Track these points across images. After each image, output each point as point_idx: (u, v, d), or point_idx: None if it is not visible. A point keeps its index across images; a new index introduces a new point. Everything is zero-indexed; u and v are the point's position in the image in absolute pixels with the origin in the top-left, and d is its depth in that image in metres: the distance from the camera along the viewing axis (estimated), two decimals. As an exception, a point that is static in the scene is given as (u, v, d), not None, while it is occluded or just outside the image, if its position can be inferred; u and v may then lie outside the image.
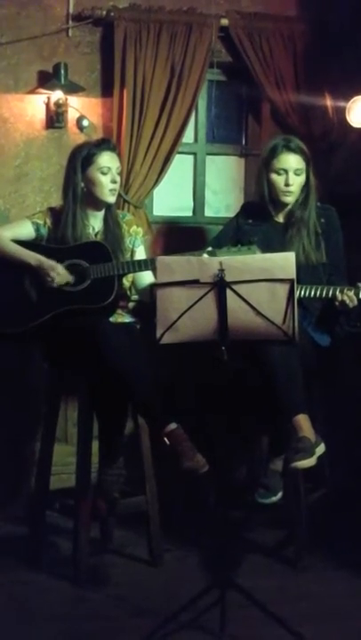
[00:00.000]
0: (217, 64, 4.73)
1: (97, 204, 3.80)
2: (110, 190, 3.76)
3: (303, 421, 3.48)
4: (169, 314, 3.15)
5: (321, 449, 3.52)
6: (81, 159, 3.74)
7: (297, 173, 3.82)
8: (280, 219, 3.95)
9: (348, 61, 4.70)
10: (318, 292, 3.71)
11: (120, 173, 3.83)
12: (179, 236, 4.79)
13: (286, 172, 3.81)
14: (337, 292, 3.67)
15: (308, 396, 3.61)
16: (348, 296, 3.64)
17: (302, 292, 3.68)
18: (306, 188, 3.87)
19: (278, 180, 3.83)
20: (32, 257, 3.69)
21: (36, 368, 4.24)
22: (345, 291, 3.65)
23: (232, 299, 3.12)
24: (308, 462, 3.42)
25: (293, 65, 4.75)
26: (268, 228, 3.93)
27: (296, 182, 3.83)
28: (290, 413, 3.50)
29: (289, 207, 3.91)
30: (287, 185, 3.82)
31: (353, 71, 4.65)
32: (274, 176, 3.84)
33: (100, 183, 3.74)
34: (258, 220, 3.95)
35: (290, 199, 3.86)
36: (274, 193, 3.87)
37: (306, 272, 3.71)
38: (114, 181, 3.75)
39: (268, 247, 3.70)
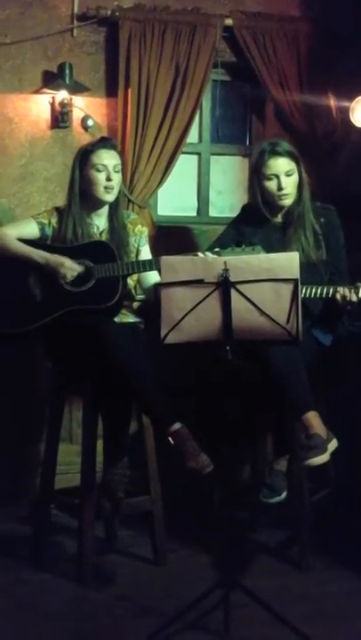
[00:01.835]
0: (221, 64, 4.73)
1: (96, 203, 3.80)
2: (105, 188, 3.74)
3: (313, 418, 3.48)
4: (173, 313, 3.15)
5: (333, 444, 3.52)
6: (79, 158, 3.76)
7: (288, 174, 3.82)
8: (279, 218, 3.95)
9: (351, 61, 4.70)
10: (320, 292, 3.71)
11: (120, 171, 3.80)
12: (183, 236, 4.79)
13: (277, 176, 3.81)
14: (338, 292, 3.67)
15: (313, 395, 3.61)
16: (349, 295, 3.65)
17: (304, 292, 3.68)
18: (299, 186, 3.87)
19: (271, 185, 3.83)
20: (38, 255, 3.70)
21: (40, 368, 4.25)
22: (346, 290, 3.65)
23: (236, 299, 3.12)
24: (322, 459, 3.42)
25: (297, 65, 4.76)
26: (267, 228, 3.93)
27: (289, 184, 3.83)
28: (299, 412, 3.50)
29: (285, 207, 3.92)
30: (280, 189, 3.82)
31: (357, 71, 4.65)
32: (266, 182, 3.84)
33: (96, 181, 3.74)
34: (258, 222, 3.95)
35: (287, 201, 3.86)
36: (269, 198, 3.87)
37: (306, 271, 3.71)
38: (109, 179, 3.73)
39: (268, 248, 3.70)
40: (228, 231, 4.04)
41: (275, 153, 3.81)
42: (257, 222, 3.94)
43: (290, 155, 3.83)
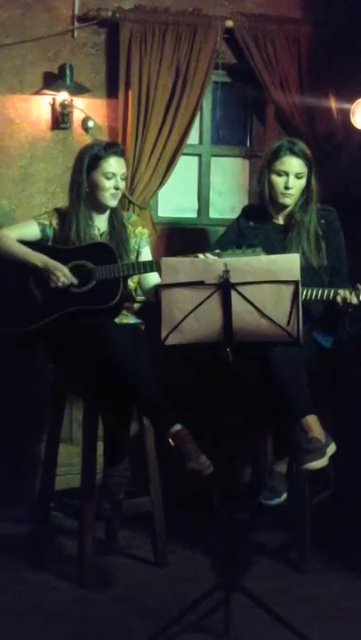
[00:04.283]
0: (222, 65, 4.73)
1: (100, 205, 3.81)
2: (112, 194, 3.76)
3: (312, 422, 3.48)
4: (174, 315, 3.15)
5: (332, 448, 3.52)
6: (87, 160, 3.75)
7: (298, 177, 3.83)
8: (280, 220, 3.96)
9: (352, 63, 4.70)
10: (320, 294, 3.71)
11: (125, 179, 3.82)
12: (183, 238, 4.79)
13: (287, 174, 3.82)
14: (338, 294, 3.67)
15: (312, 398, 3.61)
16: (349, 298, 3.65)
17: (305, 294, 3.68)
18: (307, 191, 3.87)
19: (278, 181, 3.84)
20: (37, 257, 3.70)
21: (41, 369, 4.24)
22: (346, 293, 3.65)
23: (237, 300, 3.12)
24: (321, 463, 3.42)
25: (298, 67, 4.75)
26: (268, 230, 3.94)
27: (296, 185, 3.84)
28: (298, 415, 3.50)
29: (289, 209, 3.92)
30: (287, 188, 3.83)
31: (357, 73, 4.65)
32: (274, 177, 3.85)
33: (103, 187, 3.74)
34: (259, 223, 3.96)
35: (289, 201, 3.87)
36: (273, 194, 3.88)
37: (306, 275, 3.71)
38: (116, 187, 3.75)
39: (268, 249, 3.70)
40: (229, 232, 4.04)
41: (292, 152, 3.82)
42: (258, 223, 3.94)
43: (305, 157, 3.84)
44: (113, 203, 3.78)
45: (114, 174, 3.74)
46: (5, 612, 3.39)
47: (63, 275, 3.65)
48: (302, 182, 3.85)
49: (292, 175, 3.82)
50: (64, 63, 4.45)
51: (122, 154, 3.79)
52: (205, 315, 3.14)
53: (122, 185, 3.78)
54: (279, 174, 3.84)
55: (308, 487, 3.83)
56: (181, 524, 4.14)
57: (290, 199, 3.86)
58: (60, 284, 3.66)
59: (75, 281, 3.67)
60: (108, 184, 3.74)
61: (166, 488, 3.87)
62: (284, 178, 3.83)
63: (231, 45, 4.75)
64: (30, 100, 4.54)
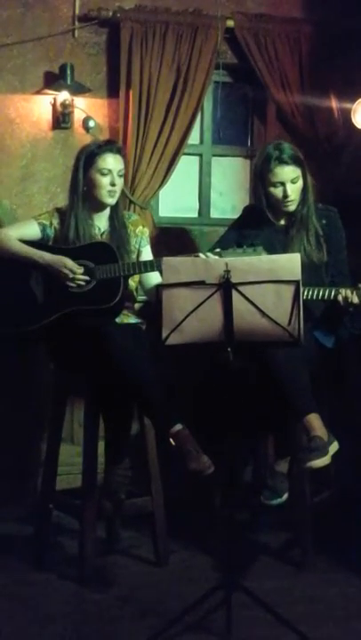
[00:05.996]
0: (223, 65, 4.72)
1: (98, 204, 3.80)
2: (108, 192, 3.75)
3: (315, 421, 3.48)
4: (175, 315, 3.15)
5: (335, 447, 3.52)
6: (84, 159, 3.75)
7: (294, 182, 3.81)
8: (281, 221, 3.95)
9: (353, 63, 4.70)
10: (322, 294, 3.71)
11: (123, 176, 3.81)
12: (184, 238, 4.79)
13: (283, 184, 3.80)
14: (340, 293, 3.67)
15: (314, 397, 3.60)
16: (351, 297, 3.64)
17: (306, 294, 3.67)
18: (303, 189, 3.86)
19: (277, 192, 3.82)
20: (39, 255, 3.69)
21: (41, 368, 4.25)
22: (348, 292, 3.65)
23: (238, 300, 3.11)
24: (323, 461, 3.42)
25: (299, 66, 4.75)
26: (269, 230, 3.92)
27: (294, 190, 3.82)
28: (300, 414, 3.50)
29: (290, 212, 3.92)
30: (286, 197, 3.81)
31: (358, 72, 4.66)
32: (271, 189, 3.82)
33: (99, 184, 3.74)
34: (259, 223, 3.95)
35: (292, 207, 3.85)
36: (274, 203, 3.86)
37: (308, 273, 3.70)
38: (113, 184, 3.74)
39: (270, 249, 3.70)
40: (230, 233, 4.03)
41: (281, 161, 3.78)
42: (259, 224, 3.94)
43: (296, 161, 3.80)
44: (110, 200, 3.77)
45: (110, 170, 3.73)
46: (6, 612, 3.38)
47: (69, 268, 3.64)
48: (299, 184, 3.83)
49: (288, 183, 3.79)
50: (65, 63, 4.46)
51: (118, 151, 3.78)
52: (206, 315, 3.14)
53: (119, 182, 3.76)
54: (275, 186, 3.81)
55: (309, 487, 3.83)
56: (182, 524, 4.13)
57: (292, 205, 3.84)
58: (71, 277, 3.64)
59: (82, 269, 3.65)
60: (105, 181, 3.73)
61: (167, 488, 3.87)
62: (280, 188, 3.81)
63: (232, 45, 4.75)
64: (31, 99, 4.54)
